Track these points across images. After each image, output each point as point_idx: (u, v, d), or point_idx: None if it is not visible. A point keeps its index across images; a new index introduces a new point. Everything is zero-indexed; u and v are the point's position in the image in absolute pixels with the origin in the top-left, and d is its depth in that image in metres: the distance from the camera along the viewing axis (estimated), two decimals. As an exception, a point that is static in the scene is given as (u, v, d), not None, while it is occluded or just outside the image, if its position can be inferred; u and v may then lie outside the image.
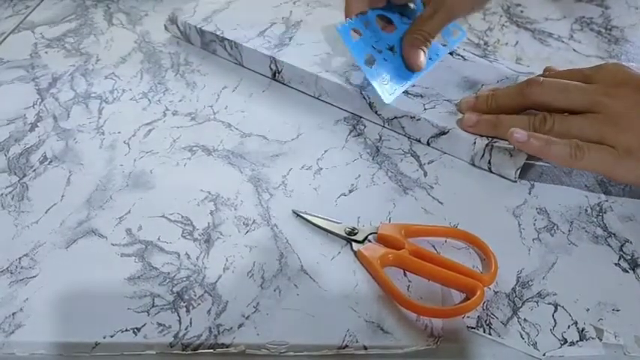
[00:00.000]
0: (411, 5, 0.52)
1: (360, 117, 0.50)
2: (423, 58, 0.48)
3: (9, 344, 0.32)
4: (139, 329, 0.32)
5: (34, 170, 0.44)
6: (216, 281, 0.35)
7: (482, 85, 0.49)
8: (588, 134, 0.39)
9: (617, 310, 0.34)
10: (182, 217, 0.40)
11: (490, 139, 0.43)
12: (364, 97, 0.48)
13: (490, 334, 0.32)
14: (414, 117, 0.46)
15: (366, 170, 0.44)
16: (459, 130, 0.44)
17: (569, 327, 0.33)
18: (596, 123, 0.39)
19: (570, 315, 0.33)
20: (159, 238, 0.38)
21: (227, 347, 0.32)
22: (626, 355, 0.32)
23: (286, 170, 0.44)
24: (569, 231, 0.39)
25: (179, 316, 0.33)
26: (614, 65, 0.42)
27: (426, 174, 0.44)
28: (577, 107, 0.41)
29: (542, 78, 0.43)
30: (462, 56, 0.53)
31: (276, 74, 0.54)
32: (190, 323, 0.33)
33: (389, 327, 0.33)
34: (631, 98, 0.39)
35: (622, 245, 0.38)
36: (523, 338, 0.32)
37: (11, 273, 0.36)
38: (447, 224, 0.39)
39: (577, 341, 0.32)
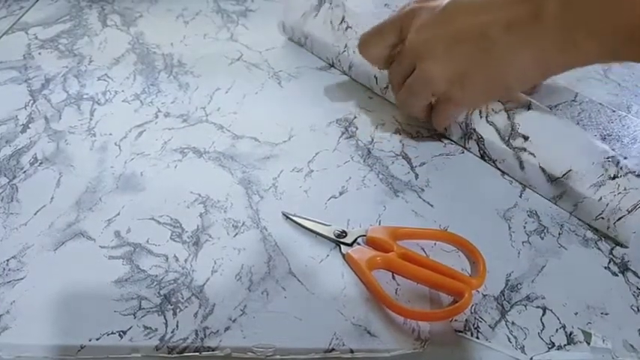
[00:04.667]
0: None
1: (353, 118, 0.50)
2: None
3: (-5, 347, 0.32)
4: (125, 332, 0.32)
5: (24, 172, 0.44)
6: (204, 284, 0.35)
7: None
8: (423, 94, 0.44)
9: (606, 314, 0.34)
10: (171, 219, 0.40)
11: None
12: None
13: (478, 337, 0.32)
14: None
15: (357, 172, 0.44)
16: None
17: (557, 331, 0.33)
18: (417, 74, 0.42)
19: (559, 318, 0.33)
20: (147, 241, 0.38)
21: (213, 350, 0.32)
22: (614, 359, 0.31)
23: (277, 172, 0.44)
24: (559, 234, 0.39)
25: (165, 319, 0.33)
26: (410, 7, 0.44)
27: (417, 176, 0.44)
28: (408, 68, 0.43)
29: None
30: None
31: None
32: (177, 326, 0.33)
33: (376, 330, 0.33)
34: (427, 33, 0.41)
35: (612, 249, 0.38)
36: (510, 342, 0.32)
37: (-2, 275, 0.36)
38: (437, 227, 0.39)
39: (565, 345, 0.32)
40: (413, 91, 0.44)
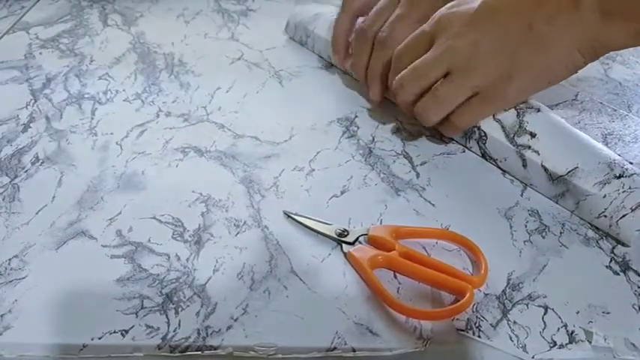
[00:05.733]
0: None
1: (354, 118, 0.50)
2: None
3: (-3, 346, 0.32)
4: (127, 331, 0.32)
5: (26, 171, 0.44)
6: (206, 283, 0.35)
7: None
8: (457, 94, 0.42)
9: (608, 313, 0.34)
10: (173, 218, 0.40)
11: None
12: None
13: (479, 336, 0.32)
14: None
15: (358, 171, 0.44)
16: None
17: (558, 329, 0.33)
18: (455, 80, 0.42)
19: (560, 317, 0.33)
20: (149, 240, 0.38)
21: (215, 349, 0.32)
22: (615, 358, 0.31)
23: (278, 171, 0.44)
24: (560, 233, 0.39)
25: (167, 318, 0.33)
26: (441, 15, 0.43)
27: (418, 175, 0.44)
28: (438, 77, 0.42)
29: (400, 77, 0.44)
30: None
31: None
32: (179, 325, 0.33)
33: (378, 329, 0.33)
34: (468, 37, 0.41)
35: (613, 248, 0.38)
36: (512, 341, 0.32)
37: (0, 274, 0.36)
38: (439, 226, 0.39)
39: (566, 344, 0.32)
40: (445, 96, 0.43)
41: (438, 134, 0.48)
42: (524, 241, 0.38)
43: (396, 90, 0.45)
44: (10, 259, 0.37)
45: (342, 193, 0.42)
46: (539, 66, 0.40)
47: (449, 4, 0.43)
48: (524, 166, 0.42)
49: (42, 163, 0.45)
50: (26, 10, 0.68)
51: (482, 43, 0.40)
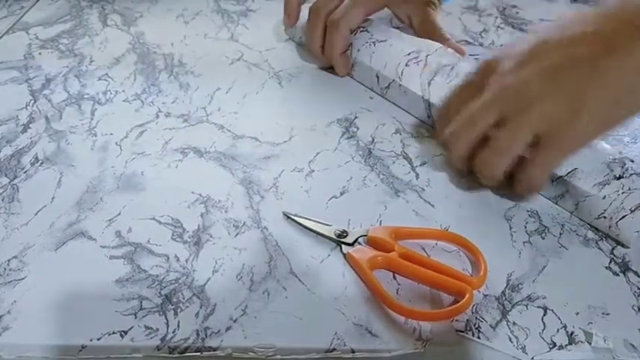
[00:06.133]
0: None
1: (354, 118, 0.50)
2: None
3: (-4, 347, 0.32)
4: (126, 332, 0.32)
5: (25, 172, 0.44)
6: (205, 284, 0.35)
7: None
8: (516, 139, 0.38)
9: (607, 314, 0.34)
10: (172, 219, 0.40)
11: None
12: None
13: (479, 337, 0.32)
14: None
15: (357, 172, 0.44)
16: None
17: (558, 331, 0.33)
18: (510, 123, 0.38)
19: (560, 318, 0.33)
20: (148, 241, 0.38)
21: (214, 350, 0.32)
22: (615, 359, 0.31)
23: (278, 172, 0.44)
24: (560, 234, 0.39)
25: (167, 319, 0.33)
26: (488, 59, 0.40)
27: (417, 176, 0.44)
28: (490, 123, 0.39)
29: (451, 131, 0.41)
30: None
31: None
32: (178, 326, 0.33)
33: (377, 330, 0.33)
34: (518, 74, 0.37)
35: (613, 249, 0.38)
36: (512, 342, 0.32)
37: (-1, 275, 0.36)
38: (438, 227, 0.39)
39: (566, 345, 0.32)
40: (503, 144, 0.38)
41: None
42: (524, 242, 0.38)
43: (450, 144, 0.42)
44: (9, 260, 0.37)
45: (342, 194, 0.42)
46: (610, 101, 0.36)
47: (496, 50, 0.40)
48: None
49: (41, 163, 0.45)
50: (26, 10, 0.68)
51: (534, 79, 0.37)
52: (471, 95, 0.40)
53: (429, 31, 0.55)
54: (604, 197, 0.38)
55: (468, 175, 0.43)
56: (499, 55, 0.40)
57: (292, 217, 0.40)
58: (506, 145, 0.38)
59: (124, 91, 0.54)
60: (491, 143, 0.39)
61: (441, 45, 0.51)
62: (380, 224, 0.39)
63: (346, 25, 0.52)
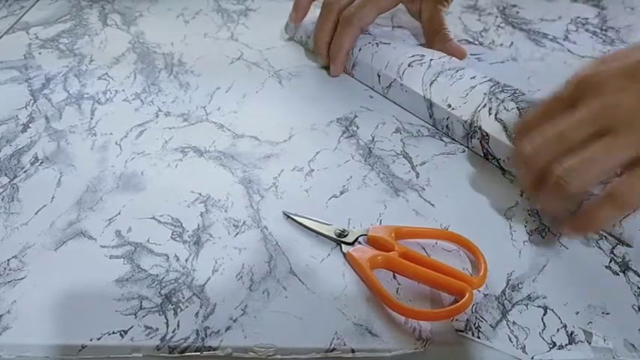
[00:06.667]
0: None
1: (354, 118, 0.50)
2: None
3: (-4, 346, 0.32)
4: (126, 332, 0.32)
5: (25, 171, 0.44)
6: (205, 283, 0.35)
7: None
8: (616, 153, 0.34)
9: (607, 314, 0.34)
10: (172, 218, 0.40)
11: None
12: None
13: (479, 337, 0.32)
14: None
15: (357, 172, 0.44)
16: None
17: (558, 330, 0.33)
18: (617, 142, 0.34)
19: (560, 318, 0.33)
20: (148, 240, 0.38)
21: (214, 350, 0.32)
22: (615, 358, 0.31)
23: (278, 172, 0.44)
24: (560, 233, 0.39)
25: (167, 319, 0.33)
26: (584, 73, 0.37)
27: (417, 175, 0.44)
28: (585, 138, 0.35)
29: (534, 145, 0.37)
30: None
31: None
32: (178, 326, 0.33)
33: (377, 330, 0.33)
34: (632, 90, 0.34)
35: (613, 248, 0.38)
36: (512, 341, 0.32)
37: (-1, 275, 0.36)
38: (438, 226, 0.39)
39: (566, 345, 0.32)
40: (600, 155, 0.34)
41: (438, 134, 0.48)
42: (524, 242, 0.38)
43: (528, 159, 0.37)
44: (9, 260, 0.37)
45: (342, 193, 0.42)
46: None
47: (584, 68, 0.37)
48: None
49: (41, 163, 0.45)
50: (26, 10, 0.68)
51: None
52: (559, 111, 0.36)
53: (435, 27, 0.55)
54: None
55: (532, 206, 0.41)
56: (595, 73, 0.36)
57: (292, 216, 0.40)
58: (599, 157, 0.34)
59: (123, 90, 0.54)
60: (580, 152, 0.34)
61: (446, 55, 0.51)
62: (380, 223, 0.39)
63: (359, 22, 0.52)
